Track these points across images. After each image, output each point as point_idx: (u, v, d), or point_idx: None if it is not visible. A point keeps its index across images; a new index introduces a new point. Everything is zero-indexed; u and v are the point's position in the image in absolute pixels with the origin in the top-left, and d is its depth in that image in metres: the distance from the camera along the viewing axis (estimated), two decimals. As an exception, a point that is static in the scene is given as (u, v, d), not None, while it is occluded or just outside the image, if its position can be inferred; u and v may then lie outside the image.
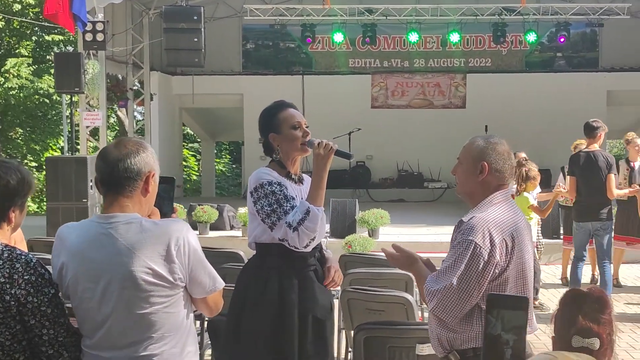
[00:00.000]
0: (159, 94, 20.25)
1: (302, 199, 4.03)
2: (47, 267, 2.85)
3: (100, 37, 14.33)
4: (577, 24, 20.58)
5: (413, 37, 19.66)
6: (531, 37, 19.54)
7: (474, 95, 21.76)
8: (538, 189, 9.66)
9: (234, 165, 35.62)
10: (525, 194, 9.18)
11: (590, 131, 8.69)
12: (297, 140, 4.07)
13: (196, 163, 33.71)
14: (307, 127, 4.13)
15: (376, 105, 22.05)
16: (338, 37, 19.69)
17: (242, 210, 13.74)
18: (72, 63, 13.83)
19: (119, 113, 23.61)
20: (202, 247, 7.63)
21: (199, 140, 30.92)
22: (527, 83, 21.38)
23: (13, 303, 2.70)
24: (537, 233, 9.48)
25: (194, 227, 14.15)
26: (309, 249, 3.97)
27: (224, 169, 34.77)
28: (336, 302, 5.51)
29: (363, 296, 5.49)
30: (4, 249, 2.76)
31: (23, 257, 2.77)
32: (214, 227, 14.11)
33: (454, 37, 19.53)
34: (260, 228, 4.00)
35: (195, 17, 15.41)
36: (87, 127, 15.63)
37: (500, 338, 1.55)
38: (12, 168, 2.85)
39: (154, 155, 2.94)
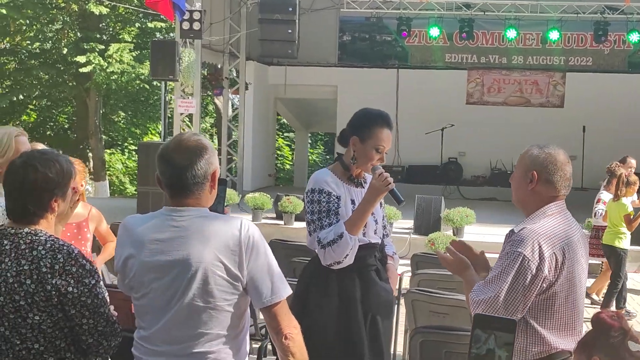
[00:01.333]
0: (254, 84, 20.48)
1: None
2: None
3: (197, 25, 14.61)
4: (684, 24, 19.85)
5: (511, 33, 19.30)
6: (634, 37, 18.91)
7: (573, 94, 21.20)
8: (635, 196, 9.42)
9: (327, 156, 35.77)
10: (624, 200, 8.95)
11: None
12: (371, 161, 4.06)
13: (290, 152, 33.98)
14: (386, 153, 4.13)
15: (471, 101, 21.75)
16: (434, 32, 19.51)
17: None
18: (167, 51, 14.16)
19: (216, 101, 24.04)
20: (277, 240, 7.72)
21: (294, 130, 31.15)
22: (629, 84, 20.68)
23: (54, 292, 2.77)
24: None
25: (279, 217, 14.32)
26: (333, 267, 3.97)
27: (317, 160, 34.95)
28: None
29: (427, 298, 5.43)
30: (48, 239, 2.83)
31: (65, 247, 2.83)
32: (299, 218, 14.19)
33: (554, 35, 19.09)
34: None
35: (290, 9, 15.53)
36: (181, 113, 15.97)
37: (489, 356, 1.54)
38: (50, 159, 2.90)
39: (214, 151, 2.96)
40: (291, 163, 33.47)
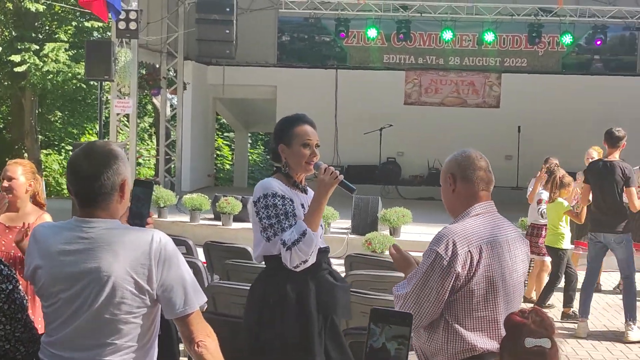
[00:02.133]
0: (193, 84, 20.36)
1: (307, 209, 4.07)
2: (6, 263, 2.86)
3: (133, 25, 14.48)
4: (614, 27, 20.36)
5: (447, 35, 19.56)
6: (567, 39, 19.34)
7: (508, 95, 21.57)
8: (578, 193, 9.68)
9: (268, 156, 35.71)
10: (559, 199, 9.15)
11: (612, 140, 8.39)
12: (303, 158, 4.08)
13: (230, 153, 33.86)
14: (317, 146, 4.13)
15: (409, 101, 21.97)
16: (372, 33, 19.66)
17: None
18: (103, 51, 13.99)
19: (154, 101, 23.84)
20: (212, 242, 7.67)
21: (233, 130, 31.06)
22: (563, 85, 21.12)
23: None
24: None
25: (217, 218, 14.27)
26: (298, 270, 3.94)
27: (257, 160, 34.89)
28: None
29: (359, 299, 5.46)
30: None
31: None
32: (237, 219, 14.16)
33: (489, 37, 19.41)
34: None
35: (228, 9, 15.49)
36: (118, 114, 15.80)
37: (382, 351, 1.58)
38: None
39: (124, 160, 2.92)
40: (231, 163, 33.37)
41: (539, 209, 9.84)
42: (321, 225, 4.11)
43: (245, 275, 6.27)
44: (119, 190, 2.87)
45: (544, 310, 3.14)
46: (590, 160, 10.09)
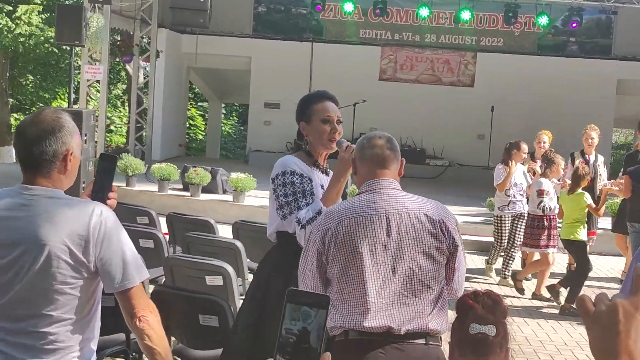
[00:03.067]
0: (167, 52, 20.12)
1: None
2: None
3: (106, -9, 14.25)
4: (590, 9, 20.39)
5: (424, 11, 19.47)
6: (543, 20, 19.32)
7: (483, 74, 21.56)
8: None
9: (242, 128, 35.57)
10: (580, 191, 8.87)
11: None
12: (324, 134, 3.98)
13: (203, 123, 33.67)
14: (339, 123, 4.06)
15: (384, 77, 21.90)
16: (348, 7, 19.52)
17: (235, 175, 13.73)
18: (74, 16, 13.79)
19: (127, 67, 23.56)
20: (175, 213, 7.61)
21: (207, 100, 30.83)
22: (538, 66, 21.14)
23: None
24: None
25: (186, 189, 14.18)
26: None
27: (230, 131, 34.70)
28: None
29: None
30: None
31: None
32: (206, 190, 14.10)
33: (465, 15, 19.35)
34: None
35: (203, -22, 15.27)
36: (88, 80, 15.60)
37: (296, 334, 1.53)
38: None
39: (71, 132, 2.87)
40: (204, 133, 33.17)
41: (541, 202, 9.07)
42: None
43: (206, 249, 6.24)
44: (61, 160, 2.83)
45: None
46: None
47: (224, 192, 14.41)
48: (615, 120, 22.55)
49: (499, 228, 9.99)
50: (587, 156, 10.11)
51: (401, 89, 21.61)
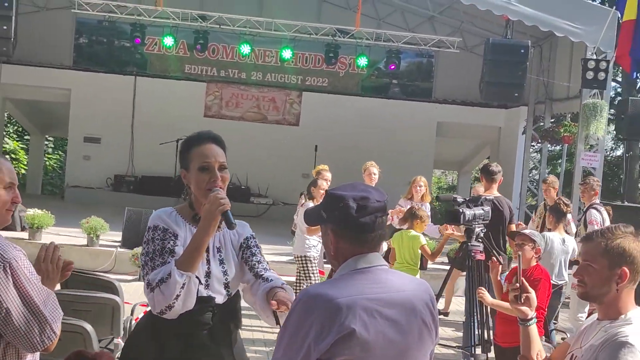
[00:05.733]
0: (-22, 81, 19.13)
1: (214, 247, 3.55)
2: None
3: None
4: (411, 52, 20.89)
5: (245, 49, 19.42)
6: (362, 61, 19.64)
7: (308, 114, 21.64)
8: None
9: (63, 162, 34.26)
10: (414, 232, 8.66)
11: (490, 175, 8.52)
12: (202, 184, 3.49)
13: (26, 157, 32.26)
14: (223, 168, 3.60)
15: (209, 114, 21.57)
16: (168, 41, 19.21)
17: (31, 211, 12.99)
18: None
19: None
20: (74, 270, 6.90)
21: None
22: (362, 107, 21.45)
23: None
24: None
25: (-21, 226, 13.29)
26: (167, 317, 3.31)
27: (55, 166, 33.38)
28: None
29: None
30: None
31: None
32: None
33: (287, 54, 19.42)
34: None
35: (6, 4, 14.50)
36: None
37: None
38: None
39: None
40: (27, 168, 31.75)
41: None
42: (224, 272, 3.57)
43: None
44: None
45: None
46: (373, 176, 10.03)
47: (23, 228, 13.59)
48: (435, 161, 23.15)
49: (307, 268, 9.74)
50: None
51: (227, 126, 21.24)
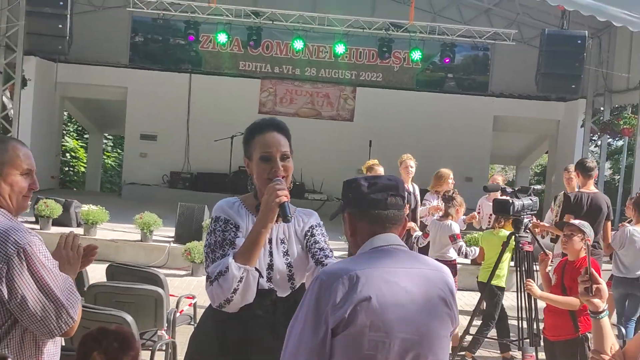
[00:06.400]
0: (37, 81, 19.41)
1: (277, 239, 3.44)
2: None
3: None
4: (466, 46, 20.60)
5: (298, 44, 19.35)
6: (416, 55, 19.40)
7: (362, 109, 21.53)
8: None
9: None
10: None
11: (587, 171, 8.37)
12: (263, 174, 3.37)
13: (86, 155, 32.77)
14: (286, 158, 3.44)
15: (263, 110, 21.58)
16: (222, 38, 19.26)
17: (85, 207, 13.15)
18: None
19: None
20: (118, 263, 6.95)
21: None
22: (417, 101, 21.25)
23: None
24: None
25: (36, 221, 13.50)
26: (226, 310, 3.23)
27: (114, 164, 33.83)
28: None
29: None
30: None
31: None
32: (58, 223, 13.44)
33: (340, 49, 19.29)
34: None
35: (62, 3, 14.75)
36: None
37: None
38: None
39: None
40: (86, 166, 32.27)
41: (457, 245, 8.34)
42: (289, 264, 3.45)
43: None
44: None
45: None
46: (410, 169, 9.77)
47: (79, 224, 13.76)
48: (492, 156, 22.82)
49: None
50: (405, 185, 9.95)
51: (281, 123, 21.31)
